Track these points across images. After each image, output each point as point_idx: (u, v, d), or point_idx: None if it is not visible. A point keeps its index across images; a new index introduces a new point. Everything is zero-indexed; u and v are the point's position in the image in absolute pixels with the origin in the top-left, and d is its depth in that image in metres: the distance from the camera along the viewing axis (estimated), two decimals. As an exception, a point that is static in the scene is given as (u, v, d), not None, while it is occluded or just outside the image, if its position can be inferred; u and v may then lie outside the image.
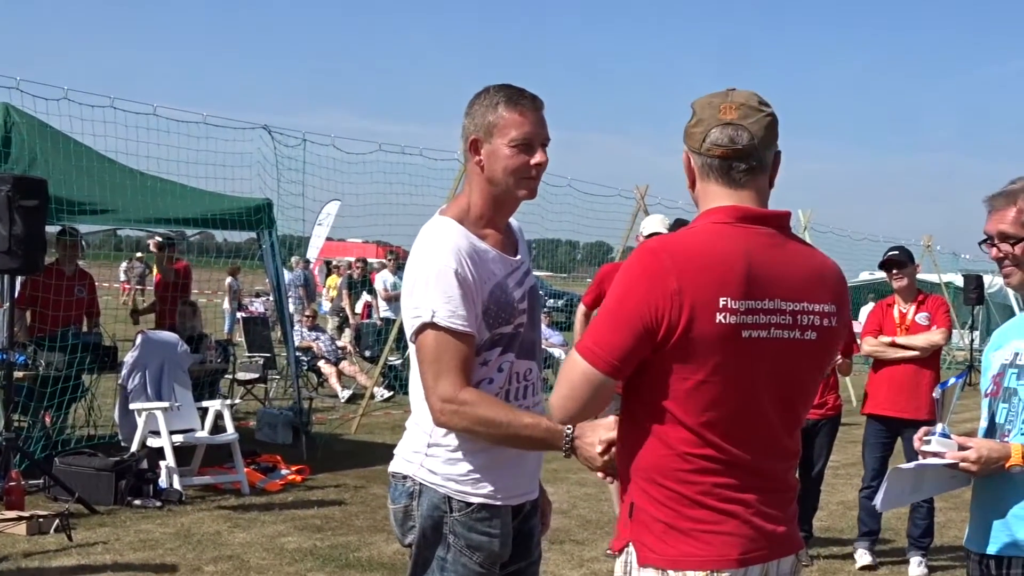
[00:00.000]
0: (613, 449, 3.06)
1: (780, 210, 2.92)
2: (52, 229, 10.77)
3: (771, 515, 2.81)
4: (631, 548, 2.82)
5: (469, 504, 3.35)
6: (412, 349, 3.35)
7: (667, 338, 2.68)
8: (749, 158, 2.83)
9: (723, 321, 2.68)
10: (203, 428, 10.01)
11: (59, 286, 10.79)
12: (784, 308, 2.77)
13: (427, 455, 3.36)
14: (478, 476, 3.36)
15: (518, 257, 3.51)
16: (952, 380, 3.97)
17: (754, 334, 2.72)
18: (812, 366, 2.88)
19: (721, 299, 2.68)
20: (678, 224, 2.66)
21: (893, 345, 8.10)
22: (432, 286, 3.23)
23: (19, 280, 10.58)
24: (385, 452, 13.44)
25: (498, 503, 3.39)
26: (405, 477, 3.40)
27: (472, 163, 3.41)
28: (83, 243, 12.79)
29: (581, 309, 8.70)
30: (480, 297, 3.30)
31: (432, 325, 3.23)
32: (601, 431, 3.12)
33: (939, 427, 3.69)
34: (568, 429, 3.17)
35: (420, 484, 3.36)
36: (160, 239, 12.76)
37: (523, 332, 3.45)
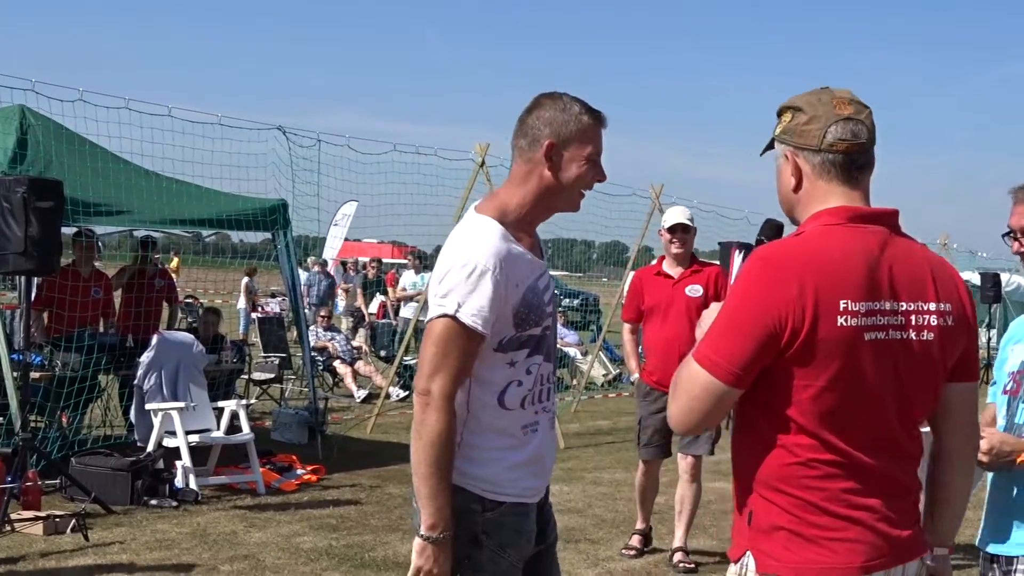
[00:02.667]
0: None
1: (890, 208, 2.87)
2: (68, 231, 10.80)
3: (895, 519, 2.77)
4: (749, 556, 2.80)
5: (501, 503, 3.38)
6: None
7: (790, 344, 2.65)
8: (867, 153, 2.83)
9: (844, 324, 2.65)
10: (219, 428, 10.03)
11: (75, 287, 10.83)
12: (901, 309, 2.74)
13: (459, 455, 3.34)
14: (508, 475, 3.40)
15: (544, 260, 3.55)
16: None
17: (874, 336, 2.69)
18: (929, 367, 2.81)
19: (842, 302, 2.66)
20: (770, 225, 2.64)
21: None
22: (465, 282, 3.25)
23: (35, 281, 10.63)
24: (401, 452, 13.42)
25: (527, 501, 3.43)
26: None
27: (534, 165, 3.40)
28: (99, 244, 12.80)
29: (626, 328, 8.32)
30: (512, 300, 3.31)
31: (453, 318, 3.24)
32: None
33: None
34: (444, 534, 3.24)
35: (452, 484, 3.34)
36: (145, 238, 12.52)
37: (549, 334, 3.48)
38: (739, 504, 2.89)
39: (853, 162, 2.80)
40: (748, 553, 2.80)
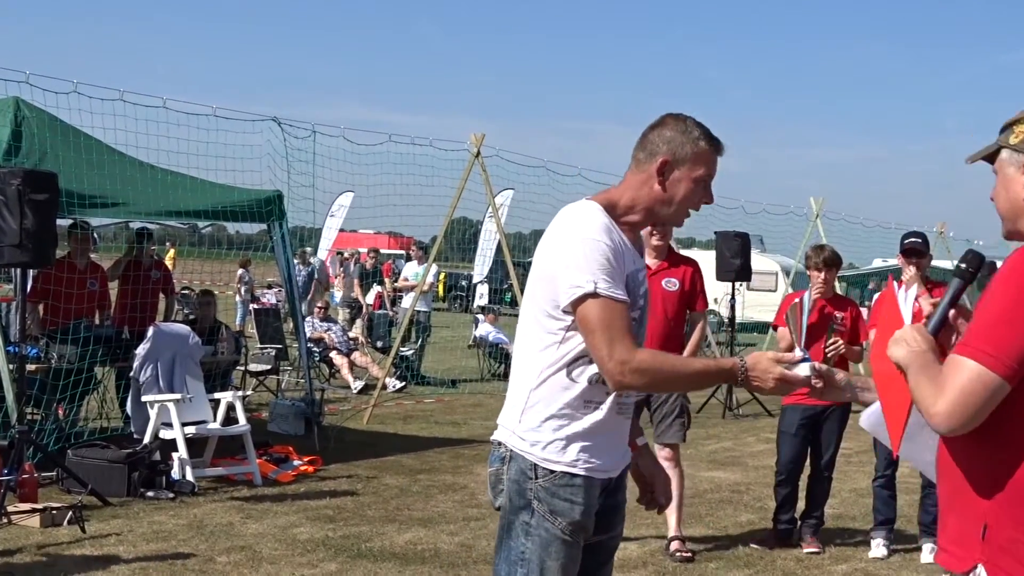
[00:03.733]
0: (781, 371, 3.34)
1: None
2: (63, 223, 10.81)
3: None
4: (982, 570, 2.73)
5: (552, 471, 3.51)
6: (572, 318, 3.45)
7: None
8: None
9: None
10: (215, 420, 10.04)
11: (71, 279, 10.83)
12: None
13: (519, 421, 3.55)
14: (563, 444, 3.52)
15: (644, 261, 3.76)
16: (797, 300, 3.93)
17: None
18: None
19: None
20: (974, 255, 2.62)
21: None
22: (591, 259, 3.39)
23: (31, 274, 10.63)
24: (397, 442, 13.49)
25: (579, 472, 3.53)
26: (500, 443, 3.60)
27: (648, 176, 3.59)
28: (95, 236, 12.79)
29: None
30: (622, 277, 3.47)
31: (595, 295, 3.37)
32: (771, 361, 3.39)
33: (798, 352, 3.54)
34: (741, 363, 3.41)
35: (511, 450, 3.55)
36: (141, 229, 12.52)
37: (634, 325, 3.56)
38: (967, 512, 2.80)
39: None
40: (980, 566, 2.73)
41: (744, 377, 3.39)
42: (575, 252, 3.42)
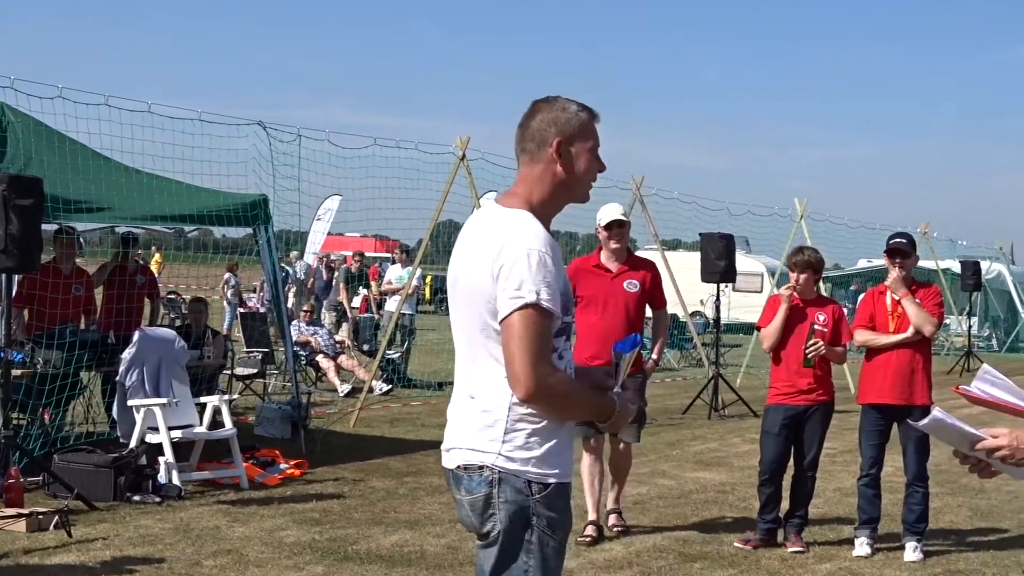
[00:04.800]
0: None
1: None
2: (49, 228, 10.79)
3: None
4: None
5: (547, 485, 3.52)
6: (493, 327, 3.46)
7: None
8: None
9: None
10: (201, 424, 10.03)
11: (56, 284, 10.83)
12: None
13: (504, 441, 3.48)
14: (551, 457, 3.53)
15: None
16: (619, 347, 3.96)
17: None
18: None
19: None
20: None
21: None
22: (535, 269, 3.40)
23: (16, 279, 10.61)
24: (384, 445, 13.46)
25: (567, 481, 3.58)
26: (482, 467, 3.50)
27: (547, 163, 3.61)
28: (80, 241, 12.77)
29: None
30: (560, 286, 3.50)
31: (536, 306, 3.38)
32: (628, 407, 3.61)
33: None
34: (614, 403, 3.60)
35: (499, 472, 3.48)
36: (127, 234, 12.51)
37: (572, 322, 3.65)
38: None
39: None
40: None
41: (608, 420, 3.61)
42: (519, 262, 3.41)
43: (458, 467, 3.56)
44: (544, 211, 3.61)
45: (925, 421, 3.59)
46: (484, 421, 3.52)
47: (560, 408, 3.50)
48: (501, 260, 3.43)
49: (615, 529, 8.42)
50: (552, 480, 3.52)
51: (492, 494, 3.49)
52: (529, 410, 3.48)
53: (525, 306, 3.38)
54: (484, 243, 3.53)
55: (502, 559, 3.53)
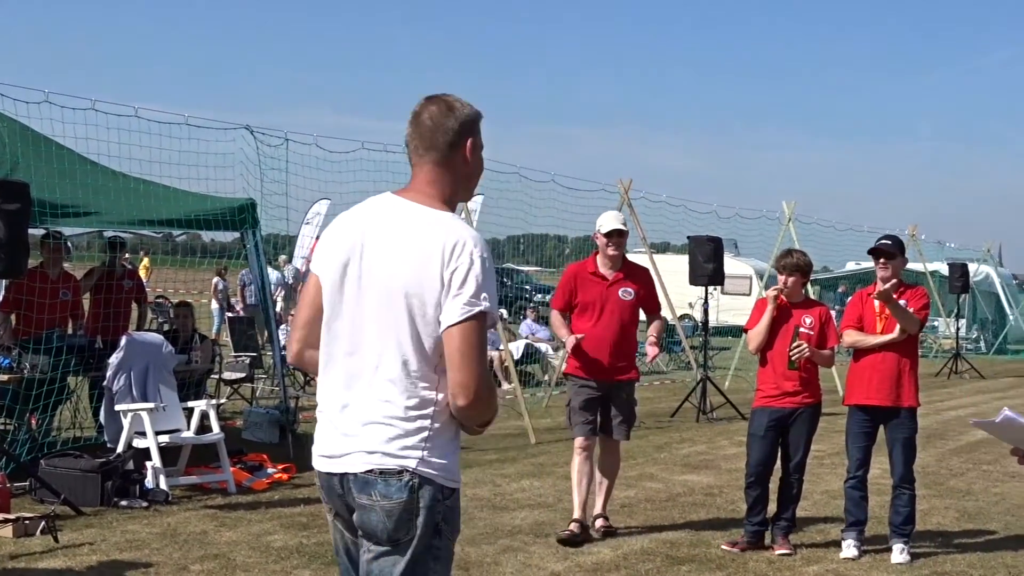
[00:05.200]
0: None
1: None
2: (36, 232, 10.77)
3: None
4: None
5: (454, 491, 3.57)
6: (441, 334, 3.44)
7: None
8: None
9: None
10: (189, 428, 10.02)
11: (43, 289, 10.81)
12: None
13: (426, 448, 3.47)
14: (456, 463, 3.59)
15: None
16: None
17: None
18: None
19: None
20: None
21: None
22: (487, 277, 3.45)
23: (3, 283, 10.59)
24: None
25: (460, 485, 3.64)
26: (402, 472, 3.46)
27: (460, 164, 3.65)
28: (68, 246, 12.75)
29: (556, 312, 8.77)
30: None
31: (487, 314, 3.43)
32: None
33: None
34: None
35: (420, 477, 3.46)
36: (115, 238, 12.47)
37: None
38: None
39: None
40: None
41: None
42: (475, 270, 3.42)
43: (369, 472, 3.48)
44: (452, 210, 3.64)
45: (996, 419, 3.56)
46: (406, 426, 3.47)
47: (488, 411, 3.54)
48: (453, 265, 3.42)
49: (603, 532, 8.47)
50: (456, 486, 3.57)
51: (414, 499, 3.46)
52: (449, 416, 3.50)
53: (479, 314, 3.40)
54: (422, 245, 3.48)
55: (413, 566, 3.49)
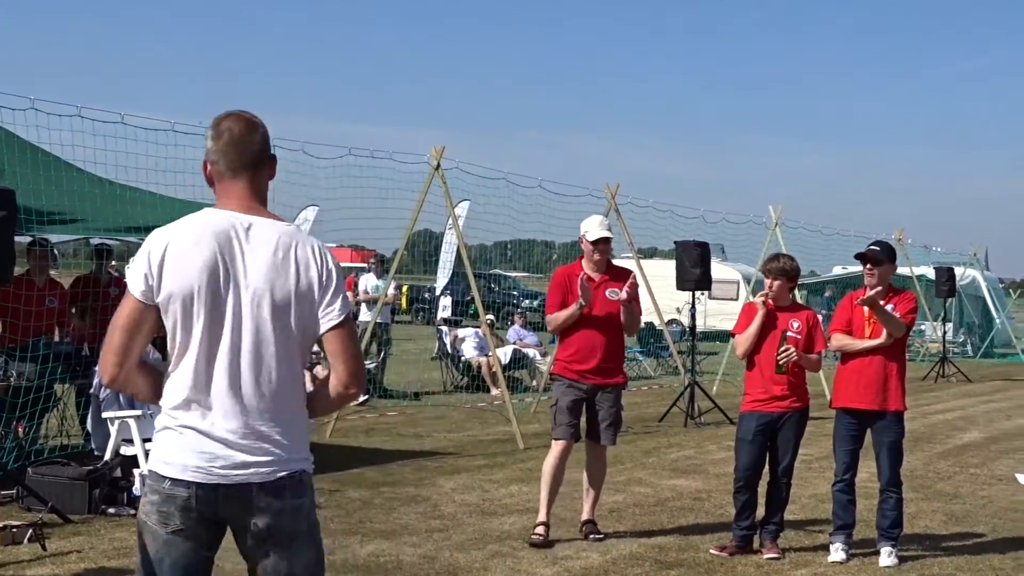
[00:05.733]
0: None
1: None
2: (22, 240, 10.75)
3: None
4: None
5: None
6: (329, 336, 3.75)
7: None
8: None
9: None
10: (177, 435, 9.99)
11: (30, 297, 10.78)
12: None
13: (307, 446, 3.86)
14: None
15: None
16: None
17: None
18: None
19: None
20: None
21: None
22: (343, 286, 3.79)
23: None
24: (360, 455, 13.39)
25: None
26: (303, 473, 3.80)
27: (269, 180, 3.91)
28: (54, 253, 12.72)
29: (551, 316, 8.74)
30: None
31: (350, 316, 3.83)
32: None
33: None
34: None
35: (309, 477, 3.84)
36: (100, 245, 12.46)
37: None
38: None
39: None
40: None
41: None
42: (340, 278, 3.77)
43: (282, 478, 3.68)
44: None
45: None
46: (300, 430, 3.77)
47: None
48: (327, 276, 3.72)
49: (591, 537, 8.52)
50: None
51: (312, 495, 3.83)
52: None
53: (349, 317, 3.78)
54: (295, 259, 3.69)
55: (314, 552, 3.91)
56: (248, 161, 3.75)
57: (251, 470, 3.64)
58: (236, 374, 3.65)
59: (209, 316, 3.64)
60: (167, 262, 3.65)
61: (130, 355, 3.74)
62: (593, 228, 8.64)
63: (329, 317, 3.70)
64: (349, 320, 3.75)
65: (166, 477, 3.68)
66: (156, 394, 3.81)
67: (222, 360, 3.66)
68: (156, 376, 3.83)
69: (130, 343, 3.73)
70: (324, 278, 3.70)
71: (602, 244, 8.60)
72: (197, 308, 3.64)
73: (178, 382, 3.72)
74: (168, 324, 3.69)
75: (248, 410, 3.65)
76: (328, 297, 3.70)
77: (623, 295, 8.47)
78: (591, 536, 8.54)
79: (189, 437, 3.67)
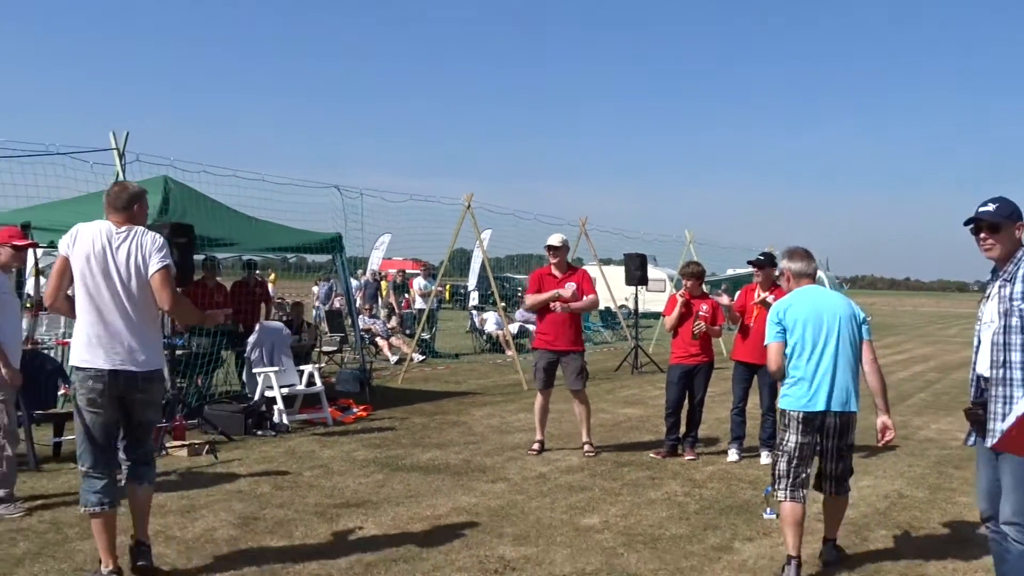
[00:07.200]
0: None
1: None
2: (198, 257, 10.73)
3: None
4: None
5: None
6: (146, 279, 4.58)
7: None
8: None
9: None
10: (301, 383, 10.00)
11: (204, 293, 10.78)
12: None
13: (158, 346, 4.62)
14: None
15: None
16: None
17: None
18: None
19: None
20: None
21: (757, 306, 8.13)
22: (166, 247, 4.58)
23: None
24: (420, 395, 13.32)
25: None
26: (160, 369, 4.59)
27: (142, 213, 4.70)
28: (218, 266, 12.70)
29: (529, 296, 8.36)
30: None
31: (170, 266, 4.57)
32: None
33: None
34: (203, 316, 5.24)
35: (161, 364, 4.65)
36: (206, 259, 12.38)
37: None
38: None
39: None
40: None
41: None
42: (160, 243, 4.58)
43: (151, 371, 4.52)
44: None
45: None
46: (157, 340, 4.56)
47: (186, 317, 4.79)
48: (152, 247, 4.56)
49: (588, 455, 8.13)
50: None
51: (161, 384, 4.64)
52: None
53: (168, 265, 4.54)
54: (142, 246, 4.55)
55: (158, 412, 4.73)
56: (120, 206, 4.59)
57: (130, 364, 4.48)
58: (113, 308, 4.48)
59: (95, 276, 4.48)
60: (73, 241, 4.54)
61: (60, 290, 4.54)
62: (550, 239, 8.35)
63: (151, 269, 4.51)
64: (168, 267, 4.53)
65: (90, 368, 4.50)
66: (72, 313, 4.55)
67: (103, 302, 4.49)
68: (72, 303, 4.55)
69: (60, 282, 4.54)
70: (150, 248, 4.53)
71: (553, 250, 8.26)
72: (91, 271, 4.48)
73: (90, 312, 4.53)
74: (76, 276, 4.51)
75: (135, 328, 4.53)
76: (152, 258, 4.51)
77: (558, 308, 8.06)
78: (587, 452, 8.19)
79: (95, 344, 4.52)
